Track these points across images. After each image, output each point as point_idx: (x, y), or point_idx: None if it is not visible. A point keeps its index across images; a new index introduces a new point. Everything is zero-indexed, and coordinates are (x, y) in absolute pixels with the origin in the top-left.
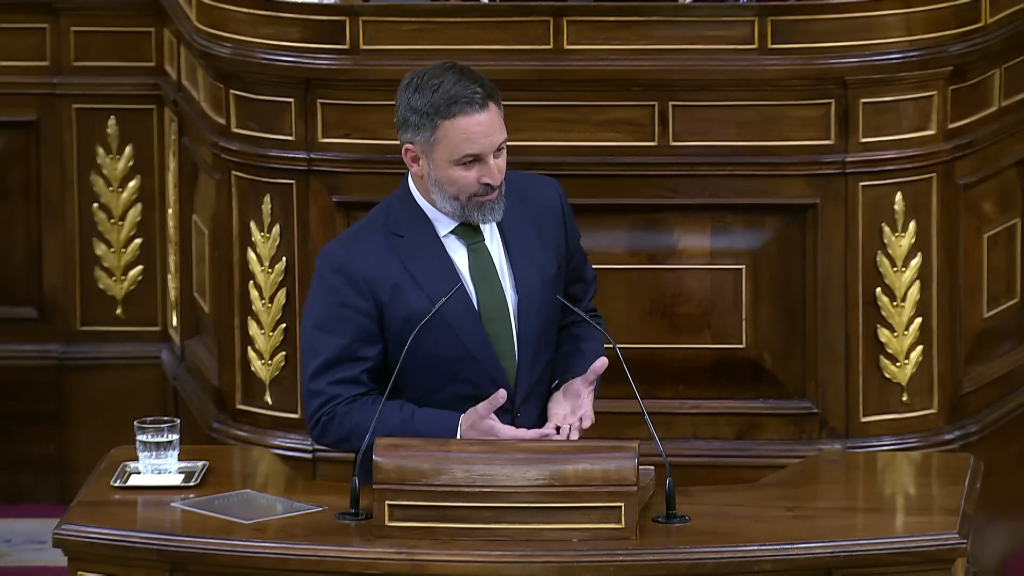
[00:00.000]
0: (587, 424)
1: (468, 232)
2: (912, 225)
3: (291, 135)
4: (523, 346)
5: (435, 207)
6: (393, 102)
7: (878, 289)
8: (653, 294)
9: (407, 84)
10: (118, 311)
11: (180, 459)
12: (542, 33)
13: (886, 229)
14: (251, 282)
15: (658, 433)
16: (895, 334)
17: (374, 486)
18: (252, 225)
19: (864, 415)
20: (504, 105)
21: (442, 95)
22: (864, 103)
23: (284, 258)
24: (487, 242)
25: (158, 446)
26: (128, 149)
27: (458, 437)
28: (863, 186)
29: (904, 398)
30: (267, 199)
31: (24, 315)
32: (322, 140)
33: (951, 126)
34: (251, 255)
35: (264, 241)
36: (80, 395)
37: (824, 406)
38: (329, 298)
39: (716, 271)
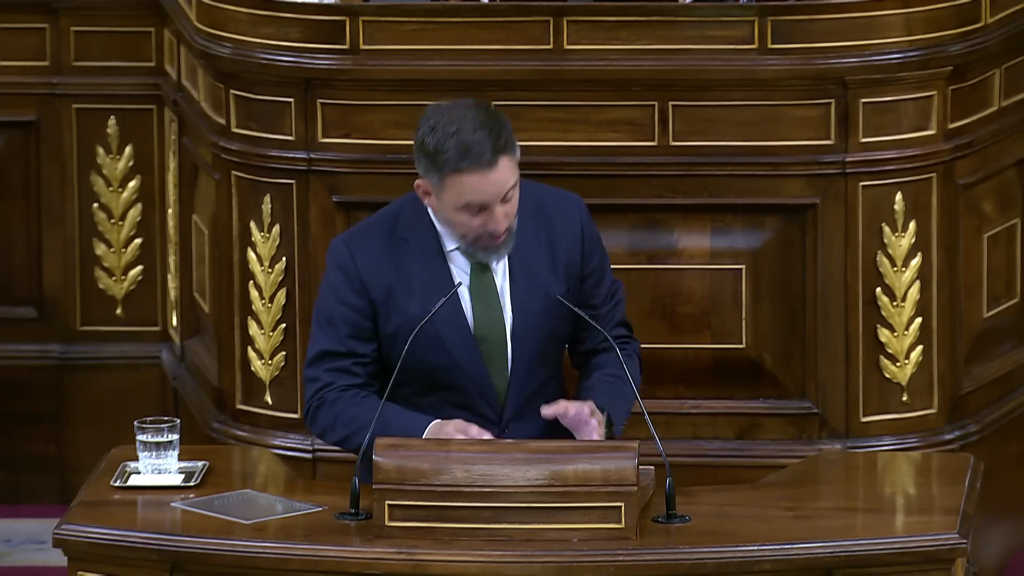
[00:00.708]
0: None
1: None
2: (912, 225)
3: (291, 135)
4: (517, 365)
5: None
6: (393, 102)
7: (878, 289)
8: (653, 294)
9: (426, 119)
10: (118, 311)
11: (180, 459)
12: (542, 33)
13: (886, 229)
14: (251, 282)
15: (658, 433)
16: (895, 334)
17: (374, 486)
18: (252, 225)
19: (864, 415)
20: (504, 105)
21: (454, 147)
22: (864, 103)
23: (284, 258)
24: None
25: (158, 446)
26: (128, 149)
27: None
28: (863, 186)
29: (904, 398)
30: (267, 199)
31: (24, 315)
32: (322, 140)
33: (951, 126)
34: (251, 255)
35: (264, 241)
36: (80, 395)
37: (824, 406)
38: (330, 293)
39: (716, 271)
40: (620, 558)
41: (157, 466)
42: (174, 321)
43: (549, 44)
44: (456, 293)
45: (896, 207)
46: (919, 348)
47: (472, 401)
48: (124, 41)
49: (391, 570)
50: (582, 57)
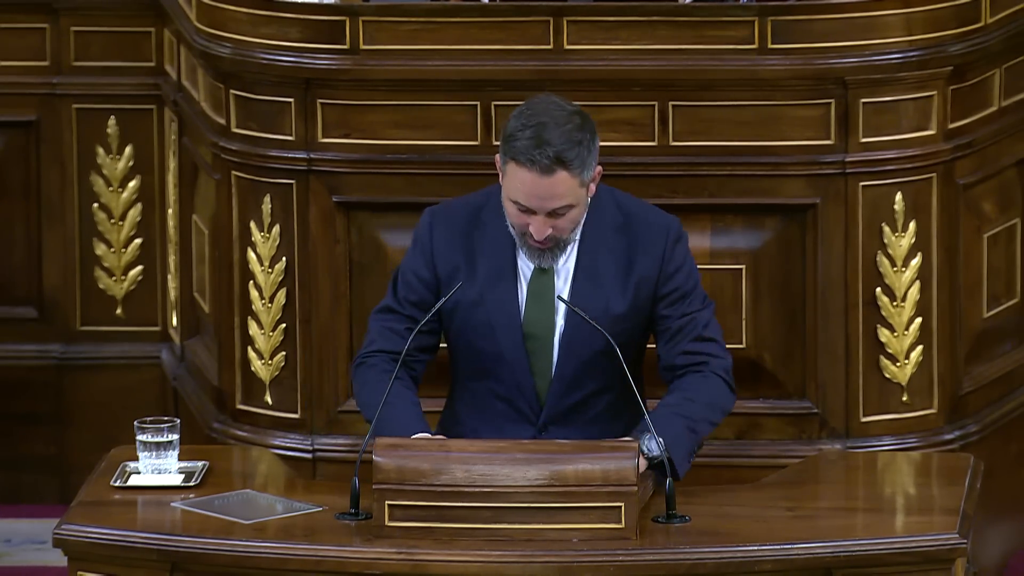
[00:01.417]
0: None
1: None
2: (912, 225)
3: (291, 135)
4: (560, 370)
5: None
6: (393, 102)
7: (878, 289)
8: None
9: (529, 102)
10: (118, 311)
11: (180, 459)
12: (542, 33)
13: (886, 229)
14: (251, 282)
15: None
16: (895, 334)
17: (374, 486)
18: (252, 225)
19: (864, 415)
20: (504, 105)
21: (525, 138)
22: (864, 103)
23: (284, 258)
24: (558, 261)
25: (158, 446)
26: (128, 149)
27: None
28: (863, 186)
29: (904, 398)
30: (267, 199)
31: (24, 315)
32: (322, 140)
33: (951, 126)
34: (251, 255)
35: (264, 241)
36: (80, 395)
37: (824, 406)
38: (408, 257)
39: (716, 271)
40: (620, 558)
41: (157, 466)
42: (174, 321)
43: (549, 44)
44: (517, 284)
45: (896, 207)
46: (919, 348)
47: (512, 396)
48: (124, 41)
49: (391, 570)
50: (582, 57)
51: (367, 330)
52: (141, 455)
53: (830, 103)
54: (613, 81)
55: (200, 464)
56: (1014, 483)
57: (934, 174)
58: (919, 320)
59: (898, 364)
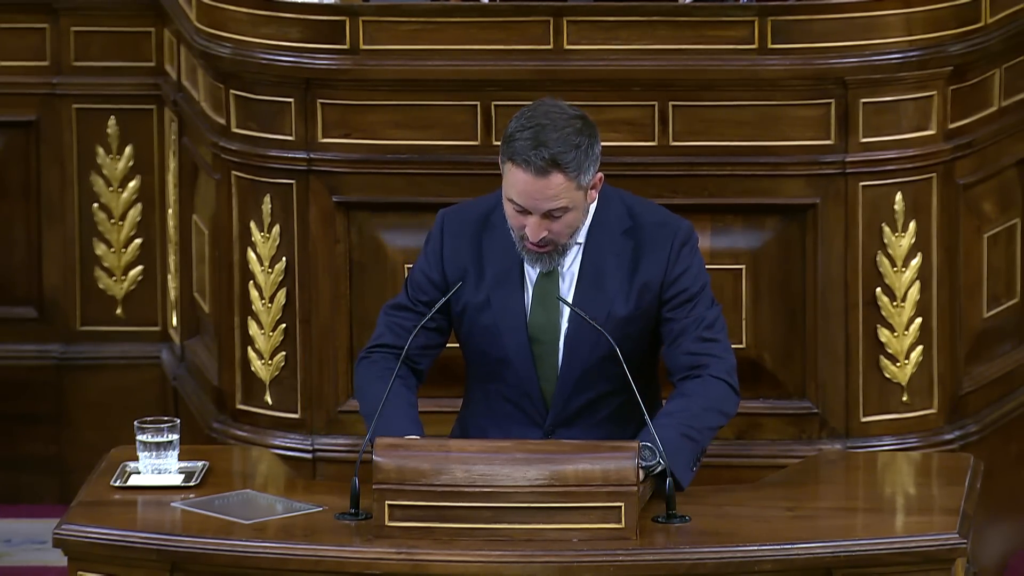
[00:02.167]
0: None
1: None
2: (912, 225)
3: (291, 135)
4: (565, 373)
5: None
6: (393, 102)
7: (878, 289)
8: None
9: (533, 104)
10: (118, 311)
11: (180, 459)
12: (542, 33)
13: (886, 229)
14: (251, 282)
15: None
16: (895, 334)
17: (374, 486)
18: (252, 225)
19: (864, 415)
20: (504, 105)
21: (523, 139)
22: (864, 103)
23: (284, 258)
24: (563, 264)
25: (158, 446)
26: (128, 149)
27: None
28: (863, 186)
29: (904, 398)
30: (267, 199)
31: (24, 315)
32: (322, 140)
33: (951, 126)
34: (251, 255)
35: (264, 241)
36: (80, 395)
37: (824, 406)
38: (422, 256)
39: (716, 271)
40: (620, 558)
41: (157, 466)
42: (174, 321)
43: (549, 44)
44: (523, 288)
45: (896, 207)
46: (919, 348)
47: (519, 398)
48: (124, 41)
49: (391, 570)
50: (582, 57)
51: (377, 323)
52: (141, 455)
53: (830, 103)
54: (613, 81)
55: (200, 464)
56: (1014, 483)
57: (934, 174)
58: (919, 320)
59: (898, 364)
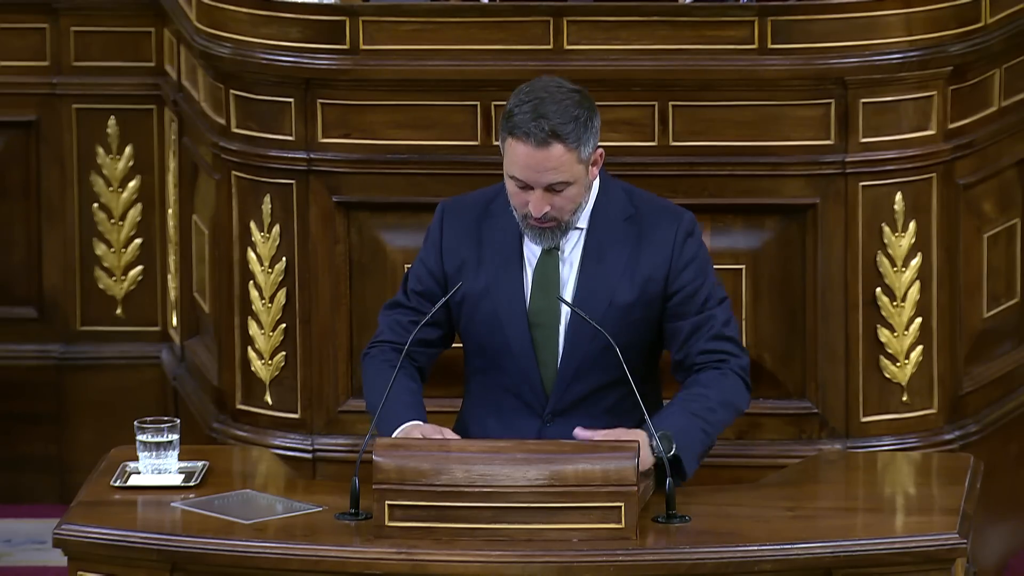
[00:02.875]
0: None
1: None
2: (912, 225)
3: (291, 135)
4: (566, 361)
5: None
6: (393, 102)
7: (878, 289)
8: None
9: (531, 81)
10: (118, 311)
11: (180, 459)
12: (542, 33)
13: (886, 229)
14: (251, 282)
15: None
16: (895, 334)
17: (374, 486)
18: (252, 225)
19: (864, 415)
20: (504, 105)
21: (522, 113)
22: (864, 103)
23: (284, 258)
24: (565, 249)
25: (158, 446)
26: (128, 149)
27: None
28: (863, 186)
29: (904, 398)
30: (267, 199)
31: (24, 315)
32: (322, 140)
33: (951, 126)
34: (251, 255)
35: (264, 241)
36: (80, 395)
37: (824, 406)
38: (421, 250)
39: (716, 271)
40: (620, 558)
41: (157, 466)
42: (174, 321)
43: (549, 44)
44: (523, 272)
45: (896, 207)
46: (919, 348)
47: (519, 387)
48: (124, 41)
49: (391, 570)
50: (582, 57)
51: (378, 324)
52: (141, 455)
53: (830, 103)
54: (613, 81)
55: (200, 464)
56: (1014, 483)
57: (934, 174)
58: (919, 320)
59: (898, 364)
